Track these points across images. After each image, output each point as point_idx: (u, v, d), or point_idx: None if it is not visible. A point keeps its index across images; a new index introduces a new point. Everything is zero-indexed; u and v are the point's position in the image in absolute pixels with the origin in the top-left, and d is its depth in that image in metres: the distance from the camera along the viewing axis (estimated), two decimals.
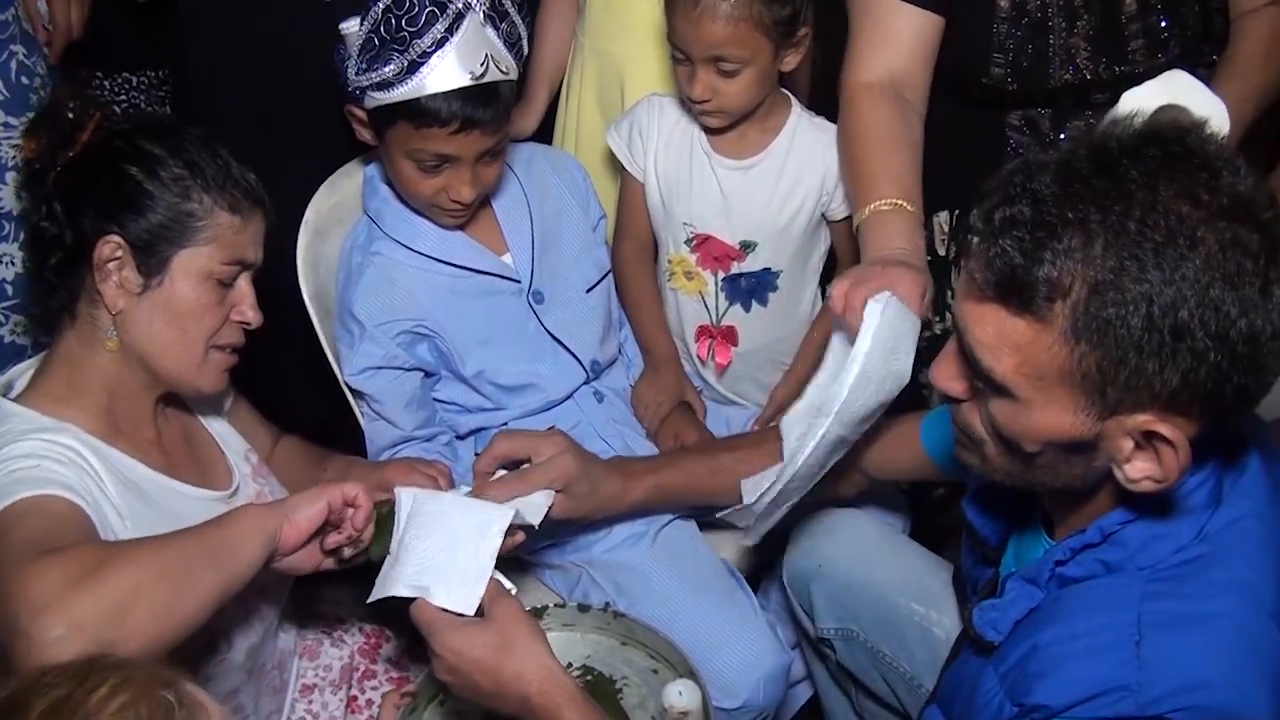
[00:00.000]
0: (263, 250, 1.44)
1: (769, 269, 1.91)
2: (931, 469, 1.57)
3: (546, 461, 1.51)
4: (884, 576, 1.66)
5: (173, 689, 0.92)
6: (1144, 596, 1.08)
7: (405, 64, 1.53)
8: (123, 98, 2.10)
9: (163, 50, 1.95)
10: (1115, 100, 1.73)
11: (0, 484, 1.20)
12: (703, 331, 1.97)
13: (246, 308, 1.42)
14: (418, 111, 1.56)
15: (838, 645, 1.69)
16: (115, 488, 1.31)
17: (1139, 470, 1.06)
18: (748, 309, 1.94)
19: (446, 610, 1.28)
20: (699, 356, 1.97)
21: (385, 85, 1.55)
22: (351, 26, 1.58)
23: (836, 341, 1.57)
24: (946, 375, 1.16)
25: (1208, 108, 1.41)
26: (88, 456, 1.30)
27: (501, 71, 1.59)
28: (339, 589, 1.71)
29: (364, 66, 1.56)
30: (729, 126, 1.84)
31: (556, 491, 1.51)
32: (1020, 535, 1.33)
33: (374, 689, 1.67)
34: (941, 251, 1.93)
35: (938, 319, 1.91)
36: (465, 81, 1.55)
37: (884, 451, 1.61)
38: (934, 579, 1.65)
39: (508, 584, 1.35)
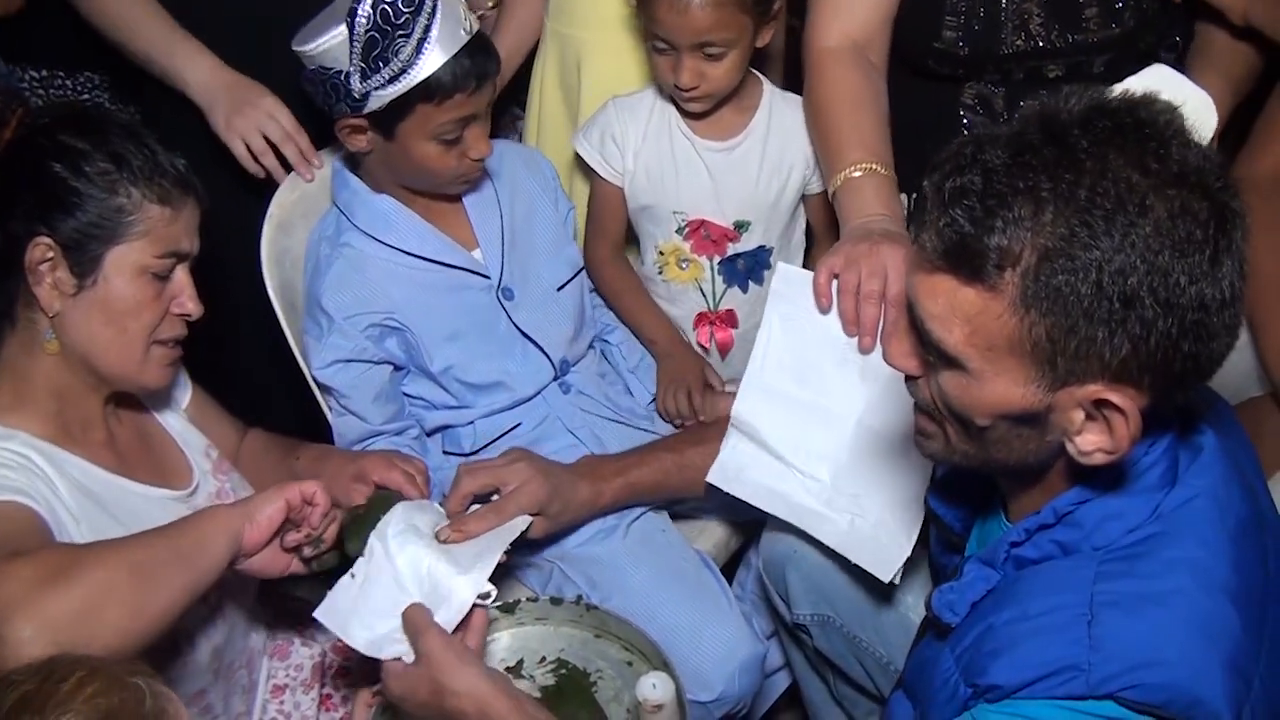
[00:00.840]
0: (198, 239, 1.40)
1: (763, 246, 1.90)
2: None
3: (516, 490, 1.52)
4: None
5: (140, 677, 0.93)
6: (1097, 577, 1.07)
7: (414, 45, 1.54)
8: (85, 96, 2.07)
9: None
10: (1069, 75, 1.72)
11: None
12: (701, 319, 1.95)
13: (186, 299, 1.39)
14: (437, 88, 1.57)
15: (814, 631, 1.68)
16: (69, 492, 1.29)
17: (1090, 442, 1.05)
18: (745, 290, 1.93)
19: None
20: (700, 344, 1.96)
21: (396, 76, 1.55)
22: (327, 42, 1.55)
23: (780, 317, 1.57)
24: (900, 352, 1.15)
25: (1194, 99, 1.41)
26: (39, 461, 1.28)
27: (475, 19, 1.62)
28: (310, 587, 1.69)
29: (372, 69, 1.55)
30: (709, 110, 1.84)
31: (531, 515, 1.52)
32: (984, 521, 1.33)
33: (350, 686, 1.65)
34: None
35: None
36: (463, 41, 1.58)
37: None
38: (909, 564, 1.63)
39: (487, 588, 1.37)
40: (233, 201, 1.85)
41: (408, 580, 1.35)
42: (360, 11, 1.53)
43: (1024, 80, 1.78)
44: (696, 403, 1.82)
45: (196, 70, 1.78)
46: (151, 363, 1.38)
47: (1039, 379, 1.03)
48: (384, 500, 1.47)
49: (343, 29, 1.54)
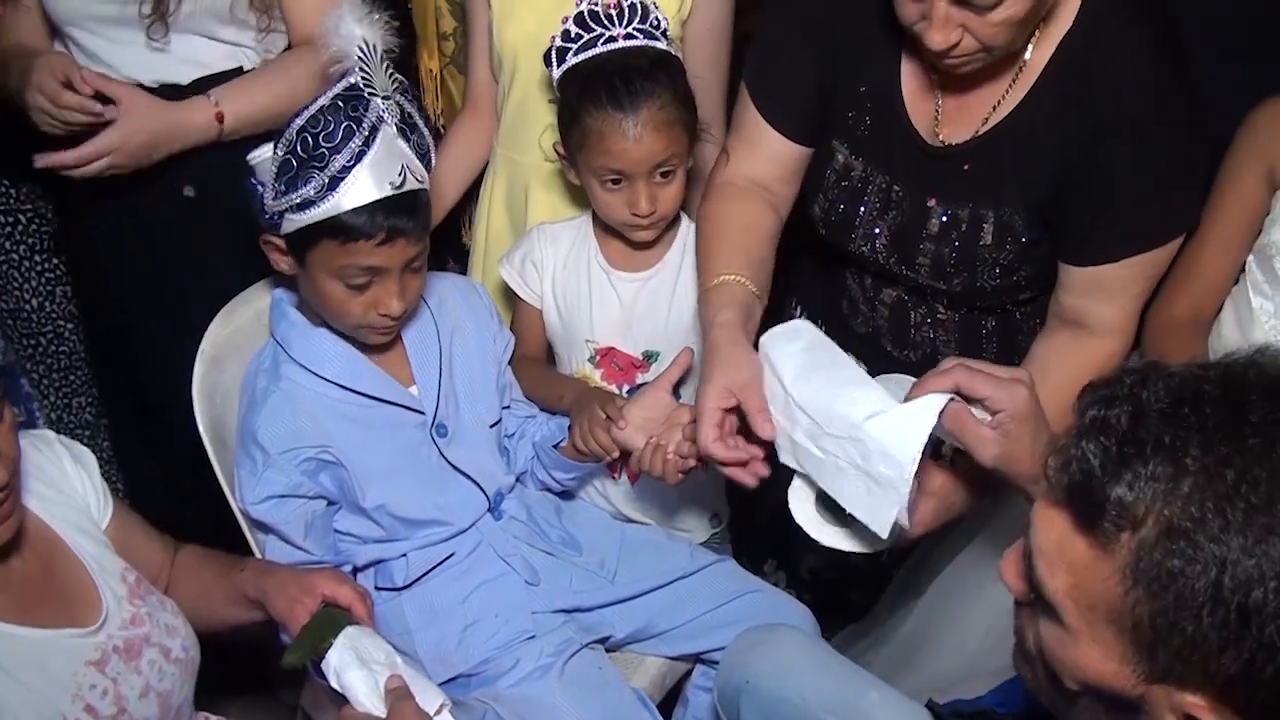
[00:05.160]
0: None
1: None
2: None
3: None
4: (811, 694, 1.59)
5: None
6: None
7: (325, 181, 1.51)
8: (28, 207, 2.08)
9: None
10: (912, 293, 1.77)
11: None
12: None
13: None
14: (342, 228, 1.53)
15: None
16: None
17: None
18: None
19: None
20: (610, 475, 1.93)
21: (306, 205, 1.53)
22: (263, 154, 1.57)
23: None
24: (1012, 572, 1.04)
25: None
26: None
27: (417, 180, 1.58)
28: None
29: (282, 189, 1.54)
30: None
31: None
32: None
33: None
34: None
35: None
36: (386, 192, 1.54)
37: None
38: (862, 697, 1.57)
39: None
40: (162, 336, 1.86)
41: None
42: (286, 133, 1.53)
43: (880, 278, 1.79)
44: (609, 431, 1.71)
45: None
46: None
47: (1135, 663, 0.92)
48: (330, 616, 1.47)
49: (272, 146, 1.55)
